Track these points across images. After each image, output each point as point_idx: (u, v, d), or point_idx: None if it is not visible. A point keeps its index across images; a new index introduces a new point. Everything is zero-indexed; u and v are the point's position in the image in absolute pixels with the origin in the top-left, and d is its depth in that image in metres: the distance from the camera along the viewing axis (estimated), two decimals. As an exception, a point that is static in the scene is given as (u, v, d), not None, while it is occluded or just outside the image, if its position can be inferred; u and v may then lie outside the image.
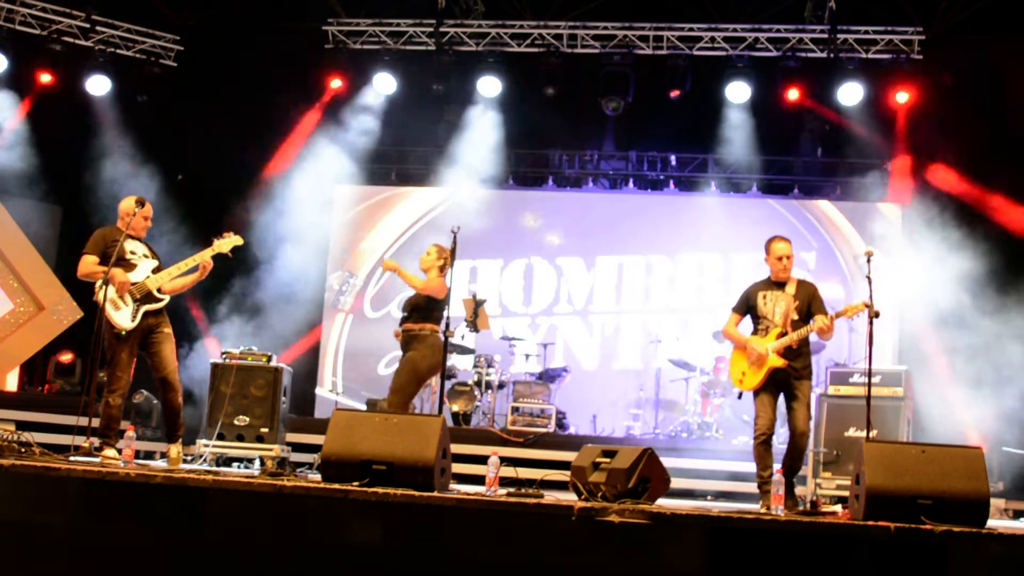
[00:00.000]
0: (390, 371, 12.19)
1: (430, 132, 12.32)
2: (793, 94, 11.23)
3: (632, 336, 12.09)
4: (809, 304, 6.64)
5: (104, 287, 6.58)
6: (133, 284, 6.72)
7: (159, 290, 6.84)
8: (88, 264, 6.74)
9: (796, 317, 6.60)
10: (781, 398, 6.70)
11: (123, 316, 6.68)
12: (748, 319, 6.85)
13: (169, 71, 12.11)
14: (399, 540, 4.80)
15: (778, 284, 6.73)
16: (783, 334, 6.55)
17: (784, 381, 6.59)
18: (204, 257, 6.89)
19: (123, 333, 6.64)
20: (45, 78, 11.48)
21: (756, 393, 6.65)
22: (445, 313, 7.09)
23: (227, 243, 7.01)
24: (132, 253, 6.83)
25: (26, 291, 10.92)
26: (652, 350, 11.22)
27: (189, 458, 8.62)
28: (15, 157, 11.52)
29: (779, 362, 6.52)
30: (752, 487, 8.97)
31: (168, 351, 6.84)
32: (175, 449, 6.85)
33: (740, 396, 6.91)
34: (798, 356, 6.60)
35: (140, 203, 6.85)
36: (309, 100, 12.01)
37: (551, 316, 12.31)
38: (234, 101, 11.66)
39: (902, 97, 10.98)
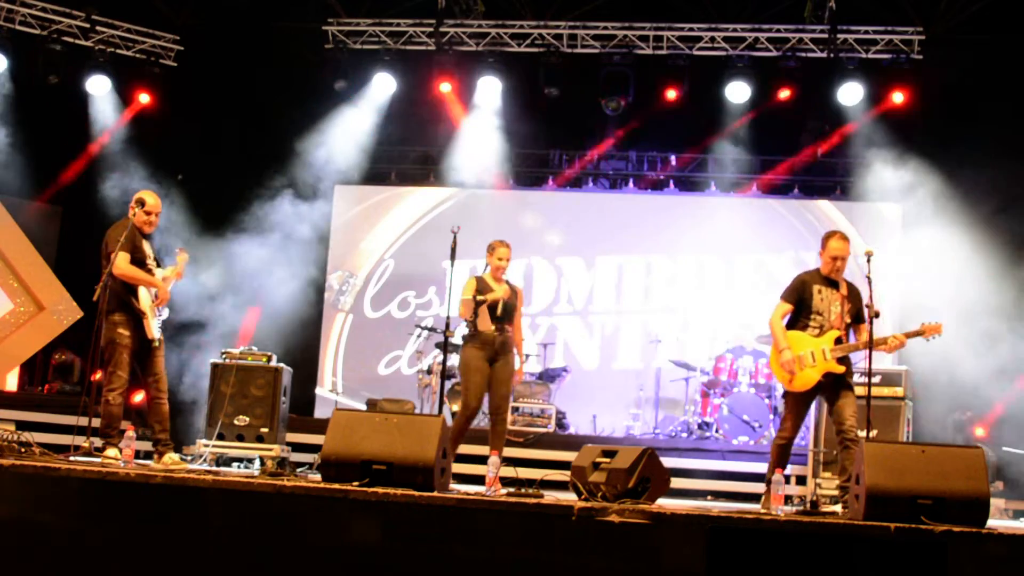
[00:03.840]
0: (390, 371, 12.26)
1: (430, 132, 12.33)
2: (791, 94, 11.24)
3: (632, 336, 12.09)
4: (858, 311, 6.49)
5: (104, 291, 6.56)
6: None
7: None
8: (128, 264, 6.63)
9: (848, 320, 6.46)
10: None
11: (156, 326, 6.77)
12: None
13: (169, 71, 12.11)
14: (399, 540, 4.80)
15: (831, 282, 6.52)
16: (839, 339, 6.36)
17: (828, 386, 6.41)
18: (180, 267, 6.97)
19: (156, 344, 6.73)
20: (45, 78, 11.46)
21: (796, 396, 6.45)
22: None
23: (183, 259, 7.06)
24: (149, 257, 6.83)
25: (26, 291, 10.91)
26: (652, 350, 11.21)
27: (189, 458, 8.62)
28: (15, 157, 11.52)
29: (839, 368, 6.33)
30: (752, 487, 9.02)
31: (160, 354, 6.83)
32: (168, 457, 6.63)
33: (784, 395, 6.65)
34: (846, 360, 6.46)
35: (139, 202, 6.83)
36: (309, 100, 12.01)
37: (551, 316, 12.31)
38: (234, 101, 11.66)
39: (902, 97, 10.98)
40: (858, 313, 6.52)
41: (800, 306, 6.52)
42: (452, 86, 11.77)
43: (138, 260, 6.70)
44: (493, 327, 7.23)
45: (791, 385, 6.48)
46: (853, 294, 6.55)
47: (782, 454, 6.47)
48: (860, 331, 6.52)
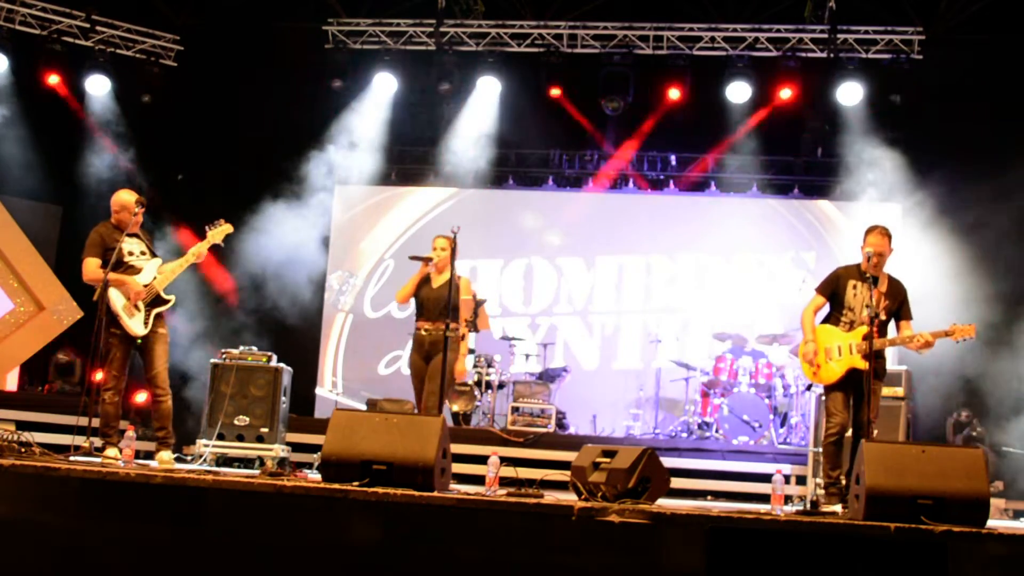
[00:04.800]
0: (390, 371, 12.26)
1: (430, 132, 12.33)
2: (791, 94, 11.24)
3: (632, 336, 12.09)
4: (899, 307, 6.40)
5: (104, 291, 6.55)
6: (144, 287, 6.71)
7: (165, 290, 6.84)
8: (94, 269, 6.63)
9: (884, 317, 6.34)
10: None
11: (137, 323, 6.65)
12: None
13: (169, 71, 12.11)
14: (399, 540, 4.80)
15: (869, 277, 6.38)
16: (868, 335, 6.24)
17: (858, 380, 6.31)
18: (201, 249, 6.88)
19: (139, 341, 6.66)
20: (46, 78, 11.47)
21: (828, 390, 6.41)
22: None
23: (220, 232, 7.01)
24: (131, 254, 6.76)
25: (26, 291, 10.91)
26: (652, 350, 11.21)
27: (189, 458, 8.62)
28: (15, 156, 11.53)
29: (863, 364, 6.24)
30: (752, 487, 9.02)
31: (160, 351, 6.75)
32: (166, 454, 6.65)
33: (809, 388, 6.57)
34: (879, 356, 6.33)
35: (141, 203, 6.81)
36: (309, 100, 12.01)
37: (551, 316, 12.31)
38: (234, 101, 11.66)
39: (901, 97, 10.98)
40: (899, 310, 6.42)
41: (833, 300, 6.51)
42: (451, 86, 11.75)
43: (117, 260, 6.66)
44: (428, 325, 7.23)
45: (816, 378, 6.48)
46: (894, 291, 6.43)
47: (833, 452, 6.35)
48: (901, 329, 6.42)
